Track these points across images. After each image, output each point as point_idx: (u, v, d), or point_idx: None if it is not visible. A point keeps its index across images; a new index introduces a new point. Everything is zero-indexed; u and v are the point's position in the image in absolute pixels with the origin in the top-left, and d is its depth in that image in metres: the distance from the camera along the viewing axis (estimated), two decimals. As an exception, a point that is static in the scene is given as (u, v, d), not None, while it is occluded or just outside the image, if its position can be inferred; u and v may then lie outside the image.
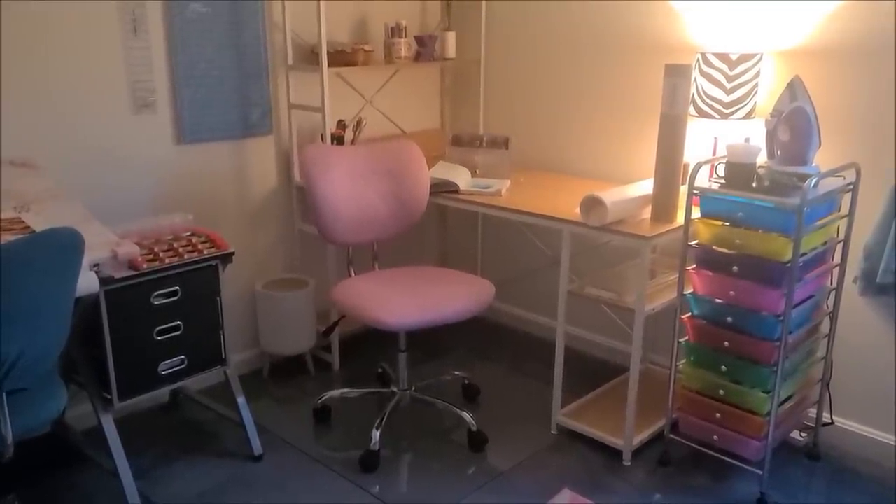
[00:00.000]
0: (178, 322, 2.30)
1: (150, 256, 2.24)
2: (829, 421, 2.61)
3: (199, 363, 2.38)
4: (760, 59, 2.47)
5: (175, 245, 2.34)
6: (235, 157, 2.93)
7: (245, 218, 3.02)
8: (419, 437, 2.69)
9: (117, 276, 2.11)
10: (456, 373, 3.04)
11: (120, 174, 2.64)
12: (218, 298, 2.39)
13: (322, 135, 2.90)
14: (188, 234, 2.43)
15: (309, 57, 3.04)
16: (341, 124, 2.99)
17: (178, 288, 2.27)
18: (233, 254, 2.39)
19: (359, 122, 3.05)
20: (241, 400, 2.51)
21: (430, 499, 2.34)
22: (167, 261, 2.24)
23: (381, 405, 2.86)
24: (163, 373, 2.29)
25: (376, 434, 2.51)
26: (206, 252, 2.33)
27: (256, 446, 2.53)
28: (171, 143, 2.75)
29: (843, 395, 2.59)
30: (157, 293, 2.23)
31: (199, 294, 2.34)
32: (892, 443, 2.50)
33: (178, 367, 2.33)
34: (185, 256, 2.28)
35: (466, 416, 2.63)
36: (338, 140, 2.95)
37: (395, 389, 2.75)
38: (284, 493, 2.36)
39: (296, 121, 3.06)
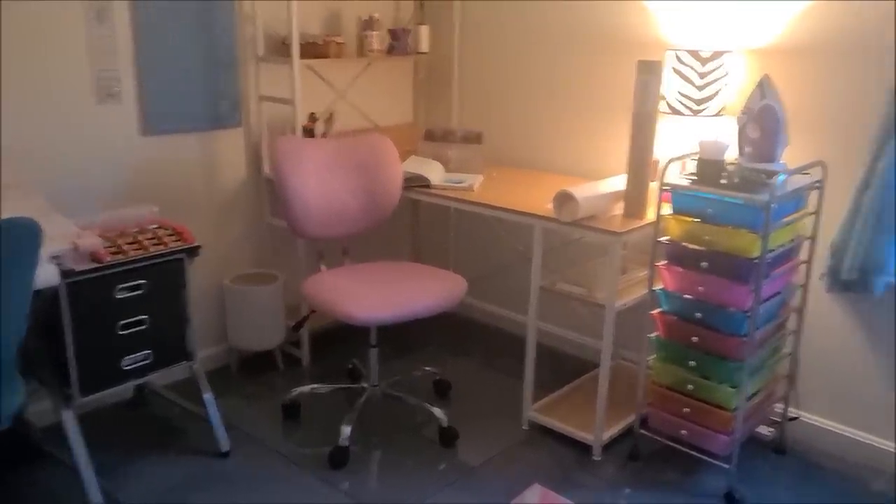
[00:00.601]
0: (143, 316, 2.25)
1: (114, 249, 2.19)
2: (795, 416, 2.64)
3: (165, 358, 2.33)
4: (731, 57, 2.48)
5: (140, 238, 2.29)
6: (203, 149, 2.88)
7: (213, 211, 2.97)
8: (390, 433, 2.67)
9: (79, 268, 2.06)
10: (427, 368, 3.03)
11: (84, 166, 2.58)
12: (184, 292, 2.34)
13: (293, 128, 2.87)
14: (154, 226, 2.38)
15: (280, 48, 2.99)
16: (312, 117, 2.96)
17: (142, 281, 2.22)
18: (199, 247, 2.34)
19: (330, 116, 3.02)
20: (207, 396, 2.47)
21: (401, 495, 2.32)
22: (131, 253, 2.19)
23: (351, 401, 2.84)
24: (126, 367, 2.25)
25: (346, 430, 2.49)
26: (171, 245, 2.29)
27: (224, 442, 2.49)
28: (137, 135, 2.69)
29: (808, 390, 2.62)
30: (121, 286, 2.18)
31: (165, 288, 2.29)
32: (857, 438, 2.54)
33: (143, 362, 2.28)
34: (151, 249, 2.24)
35: (437, 411, 2.62)
36: (308, 133, 2.92)
37: (365, 385, 2.73)
38: (252, 490, 2.33)
39: (266, 113, 3.02)
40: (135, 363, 2.26)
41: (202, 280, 2.96)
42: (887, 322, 2.42)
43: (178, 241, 2.32)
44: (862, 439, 2.53)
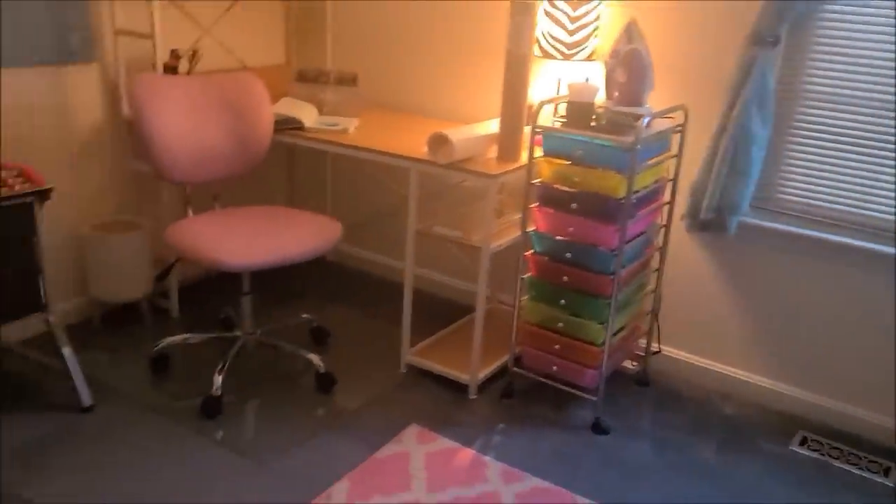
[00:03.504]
0: (-14, 265, 2.07)
1: (-51, 191, 1.99)
2: (658, 350, 2.80)
3: (13, 310, 2.17)
4: (600, 1, 2.52)
5: (-21, 179, 2.09)
6: (52, 86, 2.65)
7: (67, 155, 2.75)
8: (265, 381, 2.62)
9: None
10: (304, 316, 2.98)
11: None
12: (35, 240, 2.17)
13: (153, 64, 2.68)
14: (-5, 167, 2.18)
15: (137, -22, 2.78)
16: (175, 54, 2.77)
17: (-16, 226, 2.04)
18: (51, 190, 2.17)
19: (194, 53, 2.84)
20: (66, 350, 2.32)
21: (277, 441, 2.29)
22: (-31, 196, 2.00)
23: (224, 351, 2.75)
24: (-31, 321, 2.07)
25: (218, 379, 2.41)
26: (18, 188, 2.10)
27: (85, 397, 2.35)
28: (-26, 67, 2.44)
29: (670, 324, 2.78)
30: (-42, 232, 1.99)
31: (12, 234, 2.11)
32: (712, 368, 2.72)
33: (-12, 315, 2.11)
34: (-8, 192, 2.05)
35: (314, 357, 2.59)
36: (171, 71, 2.74)
37: (239, 334, 2.65)
38: (118, 443, 2.22)
39: (123, 49, 2.80)
40: (-21, 315, 2.09)
41: (59, 229, 2.76)
42: (739, 258, 2.59)
43: (27, 183, 2.13)
44: (716, 369, 2.72)
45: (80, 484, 2.05)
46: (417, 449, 2.29)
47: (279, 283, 3.35)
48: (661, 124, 2.40)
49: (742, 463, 2.33)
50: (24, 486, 2.02)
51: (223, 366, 2.46)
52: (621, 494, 2.16)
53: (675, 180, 2.53)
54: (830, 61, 2.31)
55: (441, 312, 3.17)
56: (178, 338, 2.69)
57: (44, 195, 2.16)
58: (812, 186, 2.43)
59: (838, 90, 2.32)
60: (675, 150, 2.51)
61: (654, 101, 2.55)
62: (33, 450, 2.17)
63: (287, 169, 3.64)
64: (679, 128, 2.46)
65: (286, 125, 2.72)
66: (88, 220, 2.85)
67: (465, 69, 3.04)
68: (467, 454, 2.29)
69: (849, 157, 2.34)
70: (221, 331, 2.87)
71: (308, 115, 2.80)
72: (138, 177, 2.99)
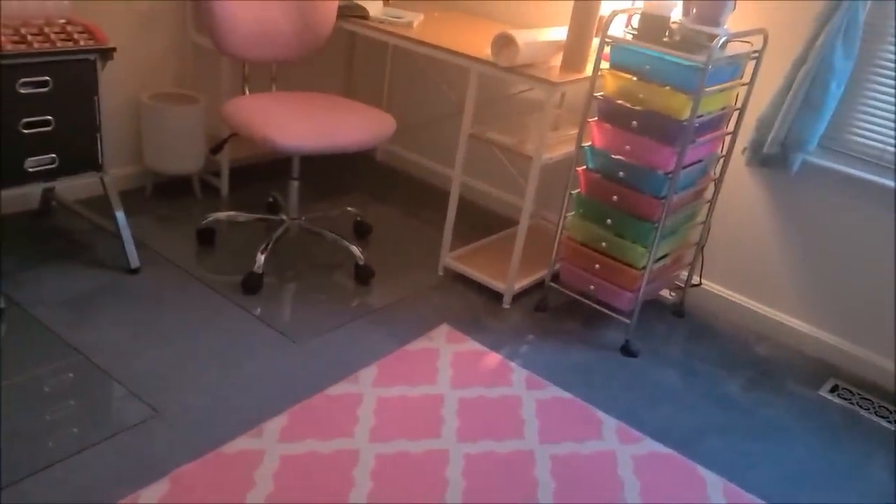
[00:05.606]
0: (48, 117, 2.11)
1: (17, 38, 2.01)
2: (698, 283, 2.77)
3: (72, 165, 2.22)
4: (692, -90, 2.38)
5: (47, 31, 2.11)
6: (123, -53, 2.63)
7: (130, 21, 2.75)
8: (305, 266, 2.67)
9: (-24, 53, 1.90)
10: (349, 209, 3.00)
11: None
12: (95, 98, 2.20)
13: (223, -65, 2.64)
14: (63, 21, 2.19)
15: None
16: (246, -74, 2.72)
17: (48, 78, 2.07)
18: (113, 49, 2.18)
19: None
20: (118, 212, 2.38)
21: (312, 323, 2.35)
22: (36, 46, 2.02)
23: (268, 232, 2.80)
24: (30, 170, 2.13)
25: (261, 258, 2.46)
26: (83, 43, 2.12)
27: (133, 259, 2.43)
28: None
29: (714, 259, 2.74)
30: (24, 80, 2.02)
31: (74, 90, 2.14)
32: (750, 307, 2.69)
33: (48, 166, 2.16)
34: (59, 45, 2.07)
35: (355, 249, 2.62)
36: (241, -56, 2.69)
37: (284, 218, 2.69)
38: (160, 305, 2.30)
39: (195, -83, 2.76)
40: (39, 166, 2.14)
41: (118, 95, 2.79)
42: (796, 199, 2.51)
43: (91, 40, 2.15)
44: (754, 308, 2.68)
45: (121, 337, 2.14)
46: (446, 347, 2.33)
47: (327, 176, 3.37)
48: (737, 48, 2.29)
49: (767, 401, 2.33)
50: (69, 332, 2.12)
51: (266, 246, 2.51)
52: (641, 414, 2.18)
53: (741, 110, 2.44)
54: (930, -2, 2.17)
55: (482, 223, 3.17)
56: (225, 214, 2.74)
57: (106, 54, 2.18)
58: (888, 131, 2.32)
59: (933, 30, 2.18)
60: (747, 79, 2.40)
61: (734, 23, 2.43)
62: (80, 302, 2.26)
63: (346, 61, 3.60)
64: (755, 54, 2.35)
65: (350, 12, 2.68)
66: (147, 89, 2.87)
67: (538, -26, 2.92)
68: (494, 358, 2.32)
69: (932, 103, 2.23)
70: (267, 213, 2.92)
71: (373, 4, 2.74)
72: (199, 51, 2.99)
